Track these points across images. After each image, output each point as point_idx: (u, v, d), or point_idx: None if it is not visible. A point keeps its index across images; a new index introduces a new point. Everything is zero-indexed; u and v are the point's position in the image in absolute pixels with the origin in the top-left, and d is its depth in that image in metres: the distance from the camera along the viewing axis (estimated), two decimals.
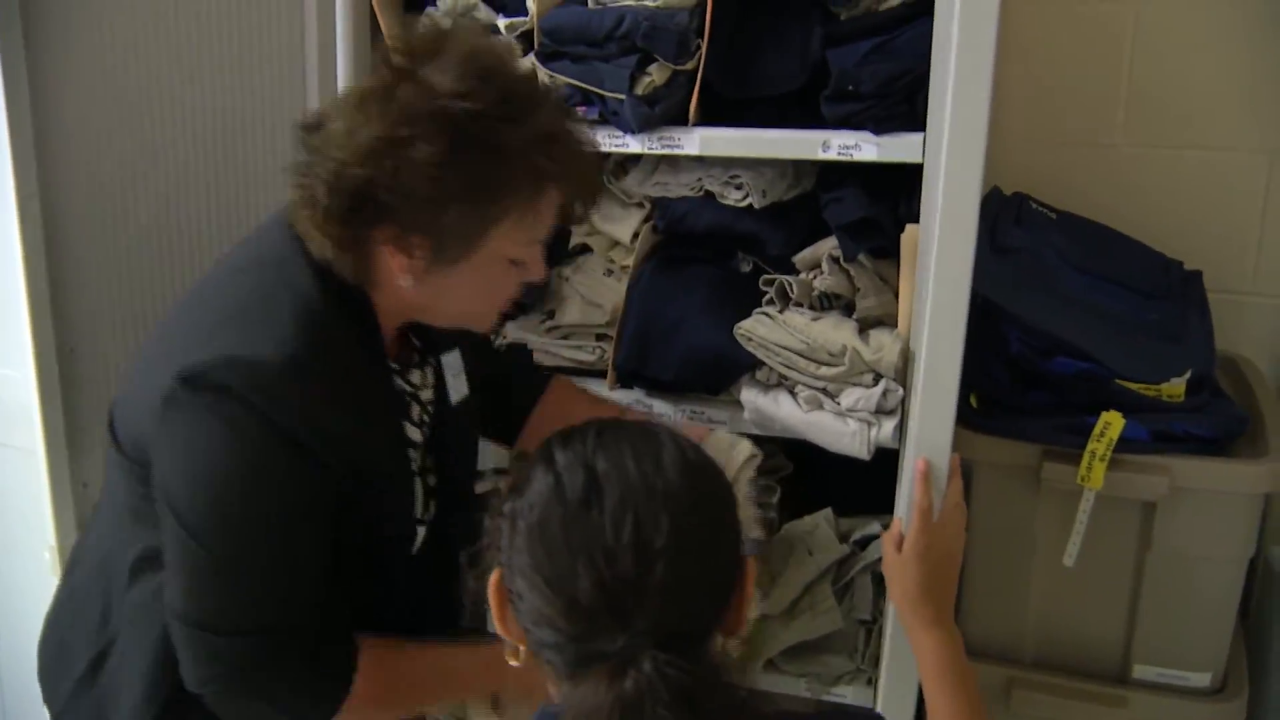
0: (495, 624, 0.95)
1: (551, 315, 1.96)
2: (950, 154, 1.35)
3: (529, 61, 1.82)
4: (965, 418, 1.62)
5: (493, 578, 0.94)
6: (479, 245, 1.20)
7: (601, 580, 0.82)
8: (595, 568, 0.82)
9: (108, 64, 1.89)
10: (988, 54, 1.30)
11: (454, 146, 1.11)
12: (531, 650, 0.91)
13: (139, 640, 1.27)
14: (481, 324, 1.38)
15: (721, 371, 1.80)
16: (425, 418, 1.39)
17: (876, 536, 1.80)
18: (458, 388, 1.44)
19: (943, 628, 1.30)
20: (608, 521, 0.84)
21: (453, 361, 1.45)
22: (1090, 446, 1.49)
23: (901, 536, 1.39)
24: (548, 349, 1.96)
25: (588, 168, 1.28)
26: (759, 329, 1.76)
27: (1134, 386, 1.56)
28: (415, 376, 1.37)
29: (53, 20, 1.80)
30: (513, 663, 0.94)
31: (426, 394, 1.39)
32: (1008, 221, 1.81)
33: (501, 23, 1.84)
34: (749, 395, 1.78)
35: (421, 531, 1.37)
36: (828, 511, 1.85)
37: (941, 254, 1.38)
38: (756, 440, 1.96)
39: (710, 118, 1.78)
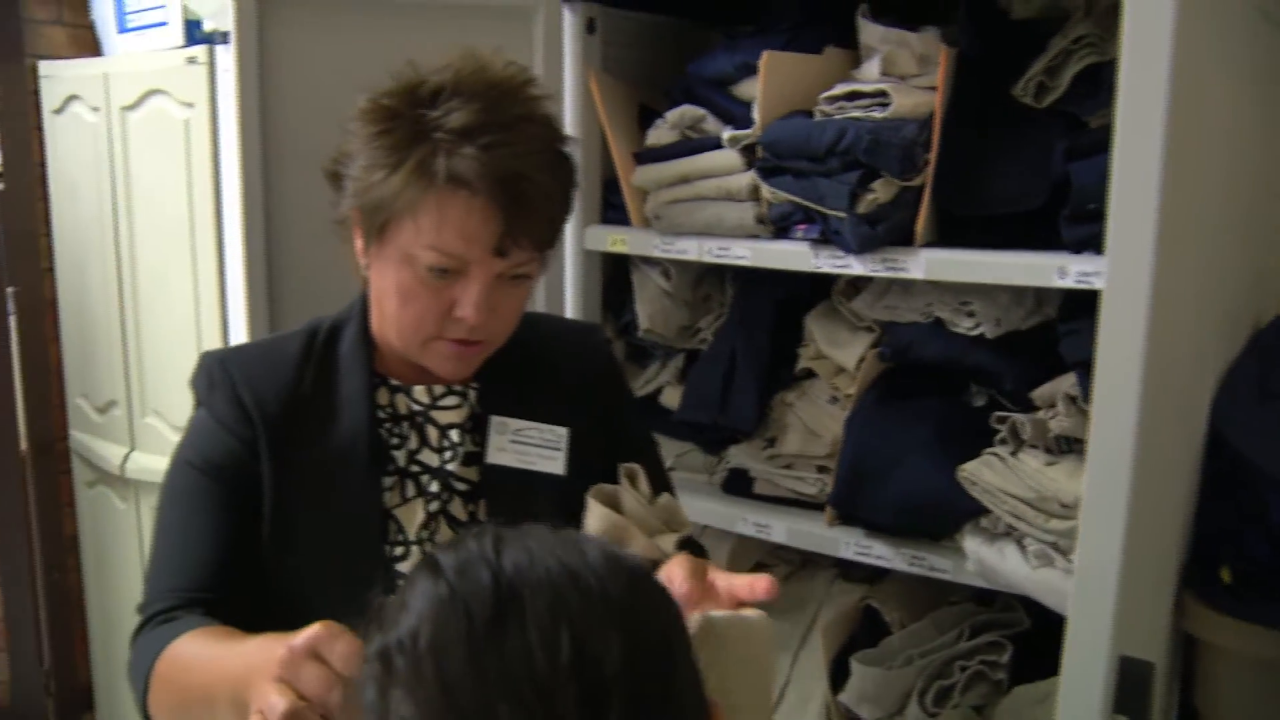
0: None
1: (773, 442, 1.89)
2: (1114, 278, 1.21)
3: (747, 177, 1.79)
4: (1213, 597, 1.40)
5: None
6: (389, 220, 1.20)
7: None
8: (525, 709, 0.59)
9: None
10: (1154, 168, 1.15)
11: (392, 115, 1.18)
12: None
13: None
14: (411, 345, 1.27)
15: (943, 516, 1.67)
16: (450, 443, 1.34)
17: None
18: (521, 455, 1.38)
19: None
20: (535, 641, 0.60)
21: (532, 431, 1.39)
22: None
23: None
24: (769, 477, 1.89)
25: (506, 185, 1.17)
26: (985, 473, 1.61)
27: None
28: (420, 394, 1.34)
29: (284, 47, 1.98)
30: None
31: (447, 418, 1.35)
32: None
33: (726, 135, 1.81)
34: (973, 545, 1.63)
35: (415, 550, 1.31)
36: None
37: (1100, 398, 1.23)
38: (989, 595, 1.80)
39: (942, 237, 1.67)
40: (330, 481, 1.27)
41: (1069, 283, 1.49)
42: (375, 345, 1.32)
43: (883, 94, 1.67)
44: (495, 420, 1.35)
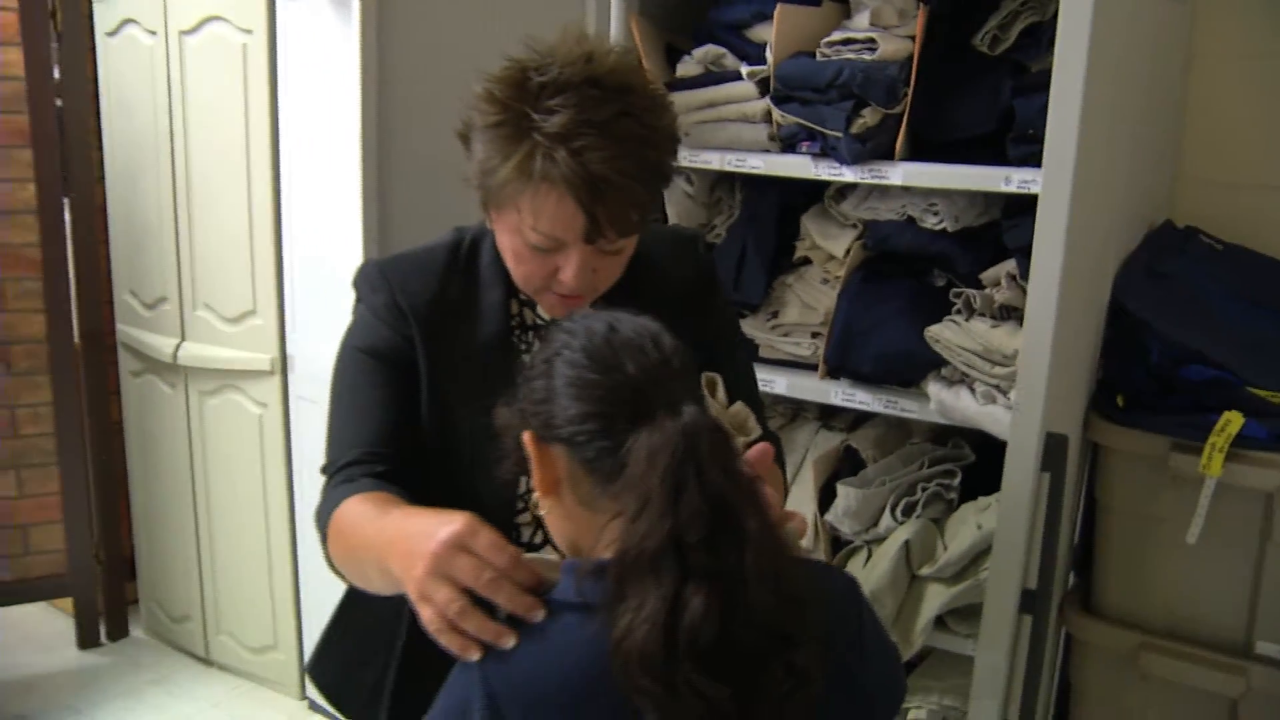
0: (535, 474, 1.17)
1: (775, 315, 2.48)
2: (1047, 187, 1.83)
3: (761, 104, 2.36)
4: (1112, 414, 2.03)
5: (526, 439, 1.16)
6: (501, 201, 1.42)
7: (642, 363, 1.11)
8: (634, 358, 1.11)
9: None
10: (1074, 99, 1.79)
11: (503, 107, 1.37)
12: (575, 464, 1.13)
13: None
14: (525, 289, 1.52)
15: (912, 368, 2.27)
16: None
17: None
18: None
19: None
20: (631, 334, 1.14)
21: None
22: (1211, 439, 1.87)
23: None
24: (771, 344, 2.48)
25: (592, 189, 1.35)
26: (945, 333, 2.21)
27: (1264, 394, 1.92)
28: (544, 310, 1.57)
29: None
30: (546, 504, 1.19)
31: None
32: (1171, 251, 2.20)
33: (745, 70, 2.38)
34: (935, 389, 2.24)
35: None
36: (999, 494, 2.28)
37: (1037, 269, 1.85)
38: (944, 431, 2.42)
39: (913, 154, 2.25)
40: (473, 376, 1.51)
41: (1012, 188, 2.07)
42: None
43: (872, 41, 2.24)
44: None
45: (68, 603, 3.63)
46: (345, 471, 1.46)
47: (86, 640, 3.61)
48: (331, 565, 1.44)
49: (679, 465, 1.04)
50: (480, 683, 1.09)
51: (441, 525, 1.16)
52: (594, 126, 1.34)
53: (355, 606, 1.70)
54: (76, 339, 3.42)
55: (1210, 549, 1.96)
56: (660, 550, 1.03)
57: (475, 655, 1.10)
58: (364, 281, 1.56)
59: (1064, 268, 1.87)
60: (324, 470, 1.51)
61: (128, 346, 3.50)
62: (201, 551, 3.44)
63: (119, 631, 3.68)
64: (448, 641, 1.11)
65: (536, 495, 1.20)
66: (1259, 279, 2.22)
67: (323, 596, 3.07)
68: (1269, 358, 2.01)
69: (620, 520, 1.07)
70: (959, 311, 2.25)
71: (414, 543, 1.17)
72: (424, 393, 1.52)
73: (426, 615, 1.13)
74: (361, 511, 1.37)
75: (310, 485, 3.07)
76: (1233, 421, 1.88)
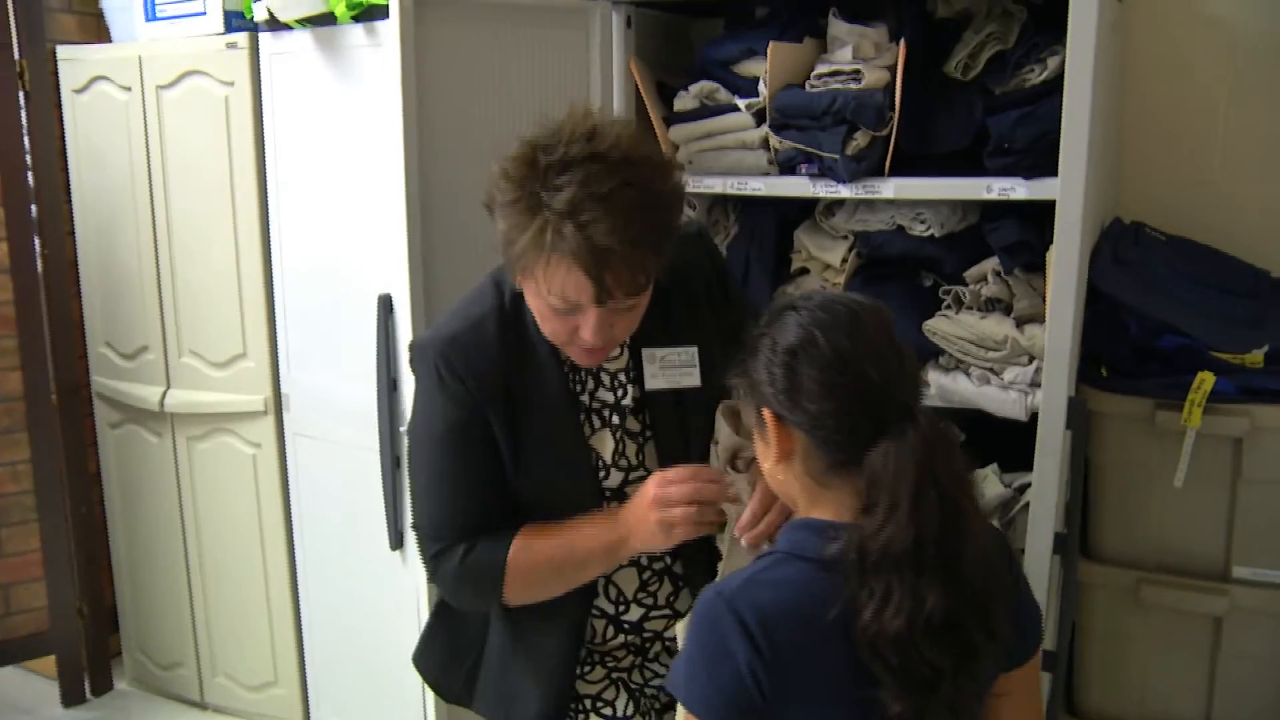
0: (771, 442, 1.36)
1: None
2: (1063, 192, 2.23)
3: (759, 132, 2.71)
4: (1098, 383, 2.44)
5: (767, 415, 1.35)
6: (517, 267, 1.60)
7: (883, 370, 1.28)
8: (876, 364, 1.28)
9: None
10: (1084, 119, 2.17)
11: (519, 185, 1.54)
12: (812, 446, 1.32)
13: None
14: (558, 344, 1.70)
15: None
16: (620, 383, 1.81)
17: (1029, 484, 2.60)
18: (670, 377, 1.82)
19: None
20: (872, 331, 1.31)
21: (672, 355, 1.82)
22: (1190, 397, 2.29)
23: None
24: None
25: (597, 259, 1.50)
26: (941, 326, 2.59)
27: (1224, 356, 2.34)
28: None
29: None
30: (777, 469, 1.39)
31: (613, 366, 1.80)
32: (1127, 243, 2.63)
33: (741, 103, 2.73)
34: (934, 376, 2.61)
35: (618, 474, 1.80)
36: (994, 466, 2.66)
37: (1059, 261, 2.25)
38: (936, 412, 2.80)
39: (899, 169, 2.63)
40: (545, 429, 1.75)
41: (994, 196, 2.46)
42: None
43: (857, 72, 2.61)
44: (645, 352, 1.81)
45: (43, 663, 3.71)
46: (463, 542, 1.74)
47: (71, 697, 3.68)
48: (501, 604, 1.76)
49: (920, 476, 1.24)
50: (729, 610, 1.28)
51: (642, 493, 1.64)
52: (598, 200, 1.49)
53: (450, 611, 1.97)
54: (53, 394, 3.54)
55: (1191, 491, 2.37)
56: (904, 552, 1.23)
57: (715, 521, 1.62)
58: (426, 369, 1.74)
59: (1080, 261, 2.26)
60: (431, 542, 1.78)
61: (105, 398, 3.63)
62: (194, 595, 3.58)
63: (104, 686, 3.76)
64: (696, 526, 1.61)
65: (768, 464, 1.42)
66: (1199, 263, 2.66)
67: (326, 624, 3.30)
68: (1222, 326, 2.44)
69: (851, 498, 1.31)
70: (948, 307, 2.64)
71: (638, 519, 1.64)
72: (504, 449, 1.74)
73: (679, 532, 1.62)
74: (543, 544, 1.72)
75: (309, 518, 3.29)
76: (1206, 380, 2.29)
